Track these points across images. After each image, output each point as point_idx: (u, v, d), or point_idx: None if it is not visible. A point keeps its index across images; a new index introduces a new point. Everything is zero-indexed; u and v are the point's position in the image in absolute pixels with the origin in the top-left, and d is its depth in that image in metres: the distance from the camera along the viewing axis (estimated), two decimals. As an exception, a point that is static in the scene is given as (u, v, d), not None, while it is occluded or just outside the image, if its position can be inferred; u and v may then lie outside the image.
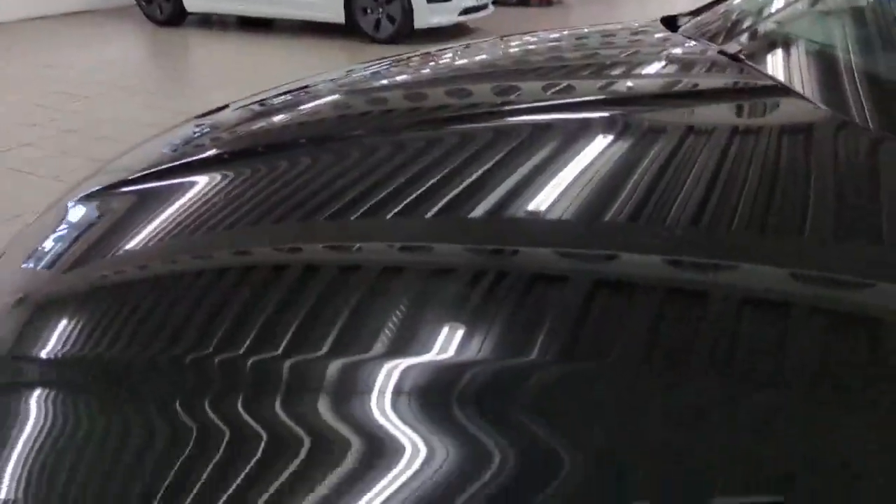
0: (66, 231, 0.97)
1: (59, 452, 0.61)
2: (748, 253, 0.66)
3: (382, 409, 0.56)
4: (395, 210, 0.81)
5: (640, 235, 0.70)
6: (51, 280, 0.86)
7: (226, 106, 1.43)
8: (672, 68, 1.17)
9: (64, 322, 0.78)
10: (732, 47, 1.13)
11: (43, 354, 0.74)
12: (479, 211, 0.79)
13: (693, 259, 0.68)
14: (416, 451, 0.52)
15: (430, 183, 0.86)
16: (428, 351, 0.61)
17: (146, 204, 0.97)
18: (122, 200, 1.00)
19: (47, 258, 0.91)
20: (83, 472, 0.59)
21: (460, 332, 0.62)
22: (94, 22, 8.05)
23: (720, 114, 0.95)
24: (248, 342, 0.65)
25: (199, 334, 0.68)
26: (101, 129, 4.19)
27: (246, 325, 0.67)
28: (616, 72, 1.17)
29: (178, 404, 0.61)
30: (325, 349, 0.63)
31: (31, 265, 0.91)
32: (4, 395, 0.71)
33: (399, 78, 1.39)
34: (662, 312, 0.61)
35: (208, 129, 1.24)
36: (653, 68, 1.18)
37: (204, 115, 1.39)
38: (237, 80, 5.63)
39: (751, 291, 0.61)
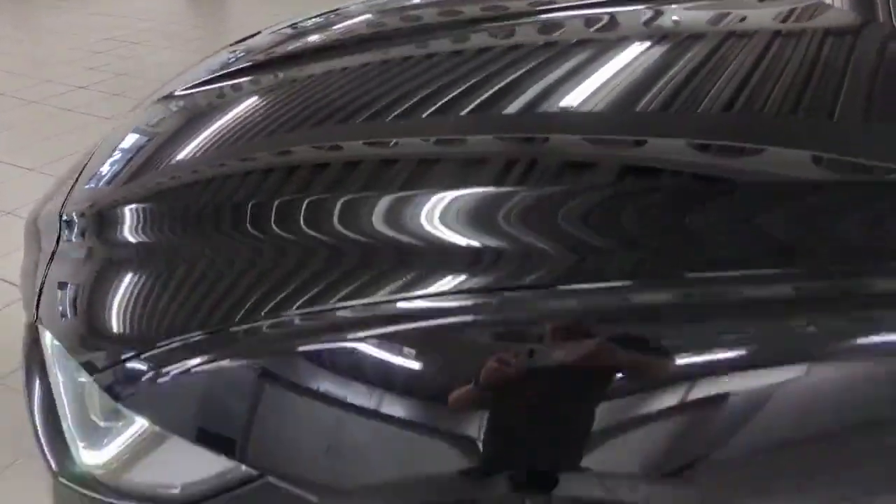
0: (155, 121, 1.16)
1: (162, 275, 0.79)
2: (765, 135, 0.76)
3: (431, 221, 0.71)
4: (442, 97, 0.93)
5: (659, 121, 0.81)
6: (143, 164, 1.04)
7: (258, 32, 1.55)
8: None
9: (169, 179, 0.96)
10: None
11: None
12: (517, 102, 0.89)
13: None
14: (461, 247, 0.67)
15: (464, 81, 0.98)
16: (469, 187, 0.76)
17: (219, 102, 1.15)
18: (201, 97, 1.18)
19: (143, 142, 1.09)
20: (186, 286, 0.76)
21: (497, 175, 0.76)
22: (138, -29, 8.19)
23: (739, 13, 1.04)
24: (321, 187, 0.83)
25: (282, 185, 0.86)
26: (150, 72, 4.37)
27: (320, 177, 0.85)
28: None
29: (250, 226, 0.79)
30: (368, 192, 0.78)
31: (126, 151, 1.09)
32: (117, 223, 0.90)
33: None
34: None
35: (243, 53, 1.37)
36: None
37: (238, 41, 1.52)
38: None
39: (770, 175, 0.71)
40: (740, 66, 0.87)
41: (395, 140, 0.89)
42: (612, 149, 0.79)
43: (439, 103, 0.93)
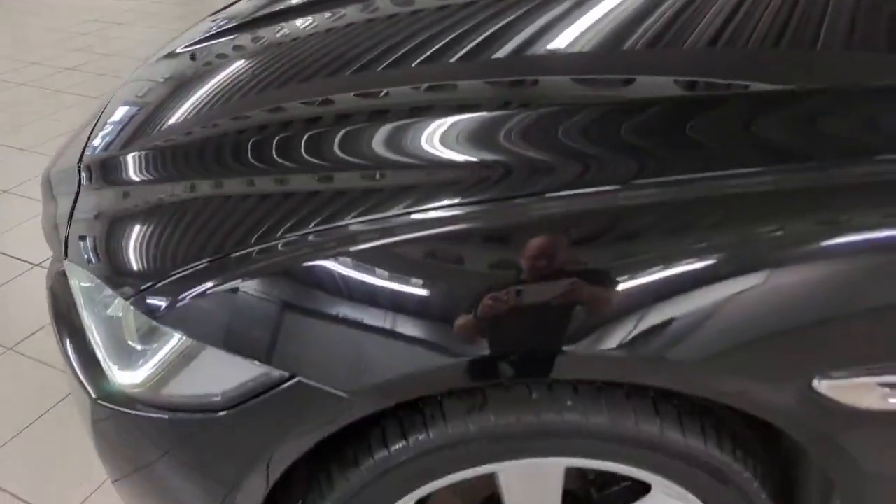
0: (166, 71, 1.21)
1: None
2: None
3: (431, 143, 0.78)
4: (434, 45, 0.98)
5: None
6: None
7: (238, 0, 1.58)
8: None
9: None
10: None
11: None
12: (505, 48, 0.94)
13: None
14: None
15: (450, 31, 1.03)
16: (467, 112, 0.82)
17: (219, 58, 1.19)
18: (201, 54, 1.23)
19: (143, 104, 1.14)
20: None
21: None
22: (116, -47, 8.08)
23: None
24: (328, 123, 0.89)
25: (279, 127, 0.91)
26: (137, 52, 4.36)
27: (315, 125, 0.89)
28: None
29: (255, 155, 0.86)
30: (366, 125, 0.84)
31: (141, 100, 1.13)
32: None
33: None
34: None
35: (225, 21, 1.41)
36: None
37: (219, 10, 1.55)
38: (260, 2, 5.68)
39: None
40: (722, 8, 0.92)
41: (386, 90, 0.93)
42: (601, 88, 0.85)
43: (428, 53, 0.98)
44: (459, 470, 0.80)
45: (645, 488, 0.85)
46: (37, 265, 2.23)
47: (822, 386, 0.67)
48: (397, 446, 0.78)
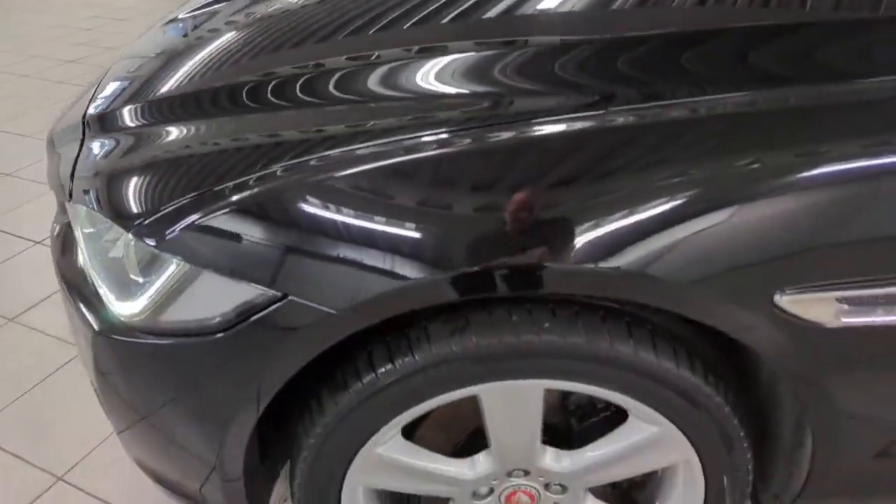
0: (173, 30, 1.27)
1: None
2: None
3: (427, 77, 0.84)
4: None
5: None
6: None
7: None
8: None
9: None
10: None
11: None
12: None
13: None
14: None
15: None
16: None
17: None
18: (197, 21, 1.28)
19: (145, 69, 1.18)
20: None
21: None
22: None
23: None
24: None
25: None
26: (136, 46, 4.42)
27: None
28: None
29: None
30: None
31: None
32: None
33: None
34: None
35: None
36: None
37: None
38: None
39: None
40: None
41: (377, 53, 0.96)
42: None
43: (417, 17, 1.02)
44: (443, 392, 0.83)
45: (622, 417, 0.88)
46: (38, 243, 2.27)
47: (783, 300, 0.71)
48: (384, 369, 0.81)
